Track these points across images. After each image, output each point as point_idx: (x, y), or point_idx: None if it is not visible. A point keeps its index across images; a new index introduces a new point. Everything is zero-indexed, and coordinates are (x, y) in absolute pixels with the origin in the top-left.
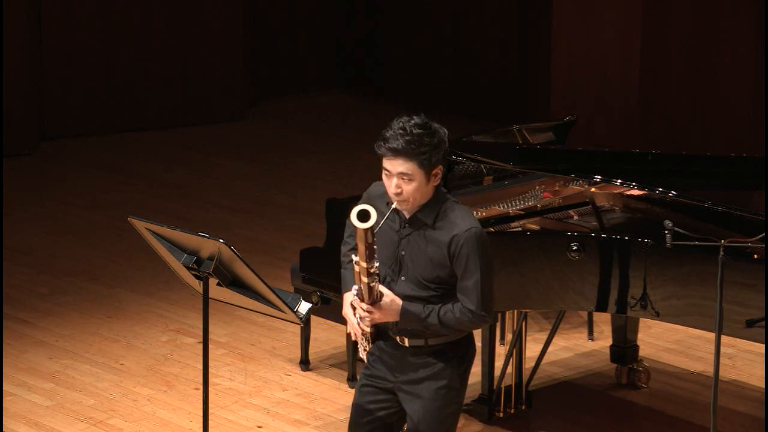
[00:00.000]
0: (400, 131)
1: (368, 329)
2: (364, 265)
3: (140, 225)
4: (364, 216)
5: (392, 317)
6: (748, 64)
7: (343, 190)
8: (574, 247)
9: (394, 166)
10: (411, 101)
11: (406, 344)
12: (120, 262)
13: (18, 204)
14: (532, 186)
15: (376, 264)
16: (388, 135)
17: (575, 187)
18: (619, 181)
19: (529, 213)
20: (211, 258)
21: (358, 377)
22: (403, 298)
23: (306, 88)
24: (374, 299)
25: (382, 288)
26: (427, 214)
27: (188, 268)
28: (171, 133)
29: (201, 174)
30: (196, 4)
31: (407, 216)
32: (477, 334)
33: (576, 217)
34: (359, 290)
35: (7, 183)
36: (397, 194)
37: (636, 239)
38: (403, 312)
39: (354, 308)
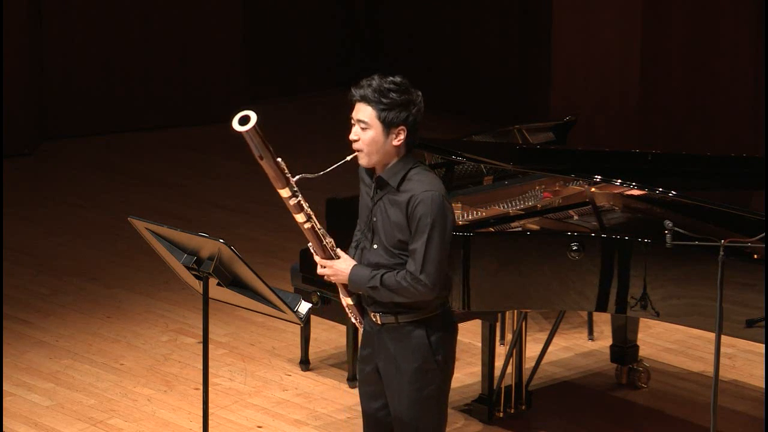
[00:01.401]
0: (372, 81)
1: (348, 301)
2: (283, 194)
3: (140, 225)
4: (244, 120)
5: (342, 277)
6: (748, 64)
7: (343, 190)
8: (574, 247)
9: (356, 112)
10: None
11: (378, 321)
12: (120, 262)
13: (18, 204)
14: (532, 186)
15: (300, 196)
16: (360, 82)
17: (575, 187)
18: (619, 181)
19: (529, 213)
20: (211, 258)
21: (358, 377)
22: (374, 265)
23: (306, 88)
24: (329, 255)
25: (338, 250)
26: (391, 176)
27: (188, 268)
28: (171, 133)
29: (201, 174)
30: (196, 5)
31: (376, 177)
32: (477, 334)
33: (576, 217)
34: (310, 245)
35: (7, 183)
36: (354, 141)
37: (636, 239)
38: (352, 273)
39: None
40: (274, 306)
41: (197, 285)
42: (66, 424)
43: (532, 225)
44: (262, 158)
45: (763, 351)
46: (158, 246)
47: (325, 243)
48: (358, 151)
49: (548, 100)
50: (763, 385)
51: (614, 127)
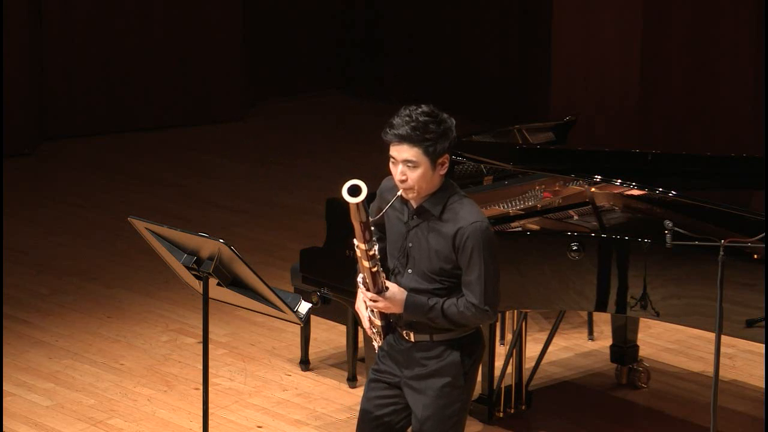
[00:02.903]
0: (406, 118)
1: (378, 322)
2: (362, 246)
3: (140, 225)
4: (354, 191)
5: (397, 308)
6: (748, 64)
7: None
8: (574, 247)
9: (399, 152)
10: (411, 101)
11: (412, 339)
12: (120, 262)
13: (18, 204)
14: (532, 186)
15: (376, 247)
16: (394, 122)
17: (575, 187)
18: (619, 181)
19: (529, 213)
20: (211, 258)
21: (358, 377)
22: (410, 290)
23: (305, 88)
24: (379, 288)
25: (387, 281)
26: (434, 205)
27: (188, 268)
28: (171, 133)
29: (201, 174)
30: (196, 5)
31: (414, 206)
32: None
33: (576, 217)
34: (363, 278)
35: (7, 183)
36: (402, 181)
37: (636, 239)
38: (408, 303)
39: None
40: (274, 306)
41: (197, 285)
42: (66, 424)
43: (532, 225)
44: (362, 227)
45: (763, 351)
46: (158, 246)
47: (381, 280)
48: (407, 189)
49: (548, 100)
50: (763, 385)
51: (614, 127)
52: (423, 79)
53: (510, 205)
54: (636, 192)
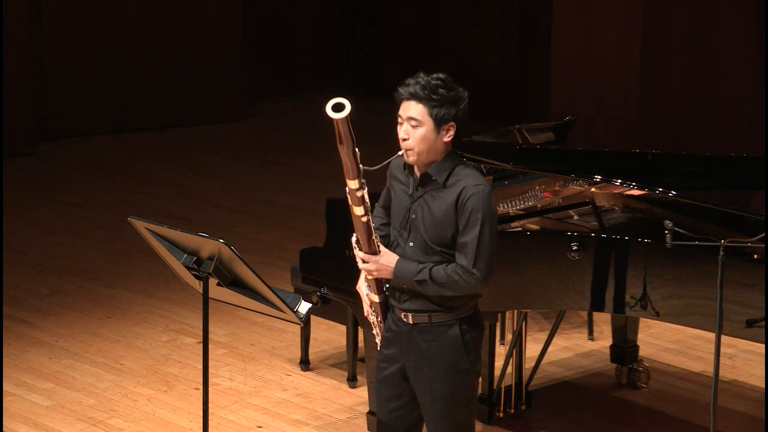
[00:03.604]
0: (419, 78)
1: (376, 299)
2: (352, 185)
3: (140, 225)
4: (338, 107)
5: (387, 272)
6: (748, 64)
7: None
8: (574, 247)
9: (405, 110)
10: None
11: (410, 321)
12: (120, 262)
13: (18, 204)
14: (532, 186)
15: (365, 191)
16: (407, 80)
17: (575, 187)
18: (619, 181)
19: (529, 213)
20: (211, 258)
21: (358, 377)
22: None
23: (306, 89)
24: (373, 249)
25: (381, 245)
26: (439, 173)
27: (188, 268)
28: (171, 133)
29: (201, 174)
30: (196, 5)
31: (419, 174)
32: None
33: (576, 217)
34: (357, 236)
35: (7, 183)
36: (404, 140)
37: (636, 239)
38: (397, 267)
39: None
40: (274, 306)
41: (197, 285)
42: (66, 424)
43: (532, 225)
44: (342, 143)
45: (763, 351)
46: (158, 246)
47: (373, 238)
48: (407, 149)
49: (548, 100)
50: (763, 385)
51: (614, 127)
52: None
53: (510, 205)
54: (636, 192)
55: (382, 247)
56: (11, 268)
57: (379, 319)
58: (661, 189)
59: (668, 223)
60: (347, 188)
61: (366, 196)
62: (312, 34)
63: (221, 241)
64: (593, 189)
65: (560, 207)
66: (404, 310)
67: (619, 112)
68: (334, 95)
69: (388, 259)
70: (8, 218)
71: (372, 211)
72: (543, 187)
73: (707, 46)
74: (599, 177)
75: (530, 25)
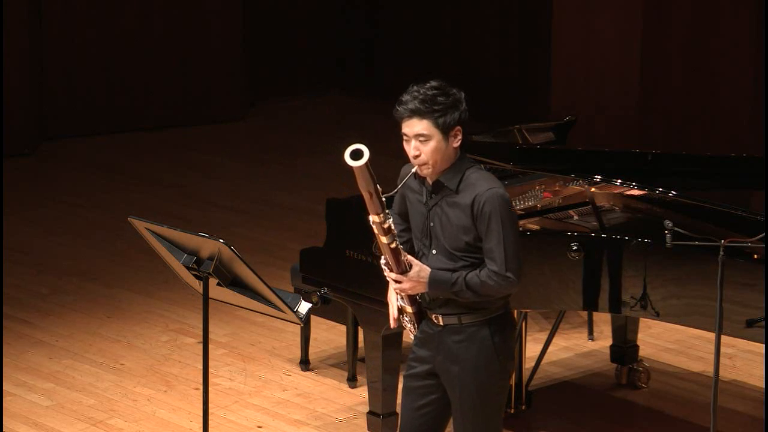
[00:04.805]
0: (415, 93)
1: (410, 309)
2: (376, 219)
3: (140, 225)
4: (357, 155)
5: (421, 287)
6: (748, 64)
7: (343, 190)
8: (574, 247)
9: (410, 127)
10: None
11: (441, 323)
12: (120, 262)
13: (18, 204)
14: (532, 186)
15: (390, 219)
16: (404, 98)
17: (575, 187)
18: (619, 181)
19: (529, 213)
20: (211, 258)
21: (358, 377)
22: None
23: (306, 88)
24: (403, 269)
25: (410, 258)
26: (450, 179)
27: (188, 268)
28: (171, 133)
29: (201, 174)
30: (196, 5)
31: (431, 182)
32: None
33: (576, 217)
34: (386, 259)
35: (7, 183)
36: (416, 157)
37: (636, 239)
38: (431, 280)
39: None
40: (274, 306)
41: (197, 285)
42: (66, 424)
43: (532, 225)
44: (371, 195)
45: (763, 351)
46: (158, 246)
47: (402, 258)
48: (422, 164)
49: (548, 100)
50: (763, 385)
51: (614, 127)
52: (423, 79)
53: None
54: (636, 192)
55: (412, 261)
56: (11, 268)
57: (414, 327)
58: (661, 189)
59: (668, 223)
60: (371, 220)
61: (392, 225)
62: (312, 34)
63: (221, 241)
64: (593, 189)
65: (560, 207)
66: (435, 313)
67: (619, 112)
68: (334, 95)
69: (420, 274)
70: (8, 218)
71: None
72: (543, 187)
73: (707, 46)
74: (599, 177)
75: (530, 25)
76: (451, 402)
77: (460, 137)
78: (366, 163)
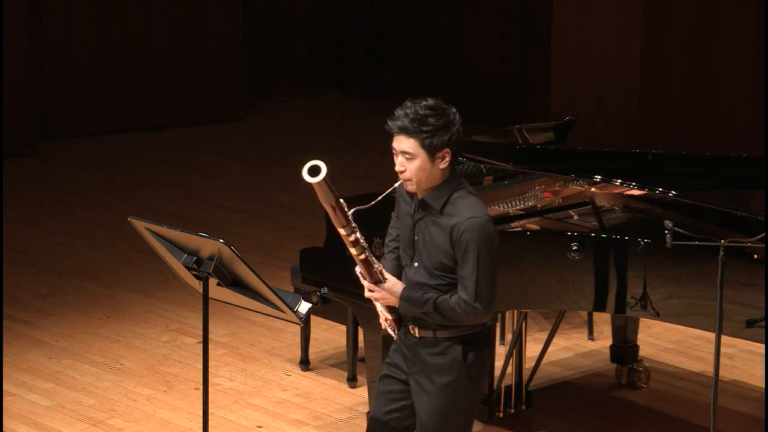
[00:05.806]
0: (407, 110)
1: (389, 315)
2: (342, 232)
3: (140, 225)
4: (314, 171)
5: (393, 300)
6: (748, 64)
7: (342, 190)
8: (574, 247)
9: (398, 143)
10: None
11: (417, 335)
12: (120, 262)
13: (18, 204)
14: (532, 186)
15: (358, 232)
16: (396, 113)
17: (575, 187)
18: (619, 181)
19: (529, 213)
20: (211, 258)
21: (358, 377)
22: (414, 284)
23: (305, 89)
24: (376, 279)
25: (385, 273)
26: (435, 199)
27: (188, 268)
28: (171, 133)
29: (201, 174)
30: (196, 5)
31: (419, 199)
32: None
33: (576, 217)
34: (360, 270)
35: (7, 183)
36: (400, 172)
37: (636, 239)
38: (403, 296)
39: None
40: (274, 306)
41: (197, 285)
42: (66, 424)
43: (532, 225)
44: (334, 209)
45: (763, 351)
46: (158, 246)
47: (375, 269)
48: (406, 180)
49: (548, 100)
50: (763, 385)
51: (614, 127)
52: (423, 79)
53: (510, 205)
54: (636, 192)
55: (386, 275)
56: (11, 268)
57: (396, 333)
58: (661, 189)
59: (668, 223)
60: (340, 233)
61: (359, 237)
62: (312, 34)
63: (221, 241)
64: (593, 189)
65: (560, 207)
66: (412, 325)
67: (619, 112)
68: (334, 95)
69: (392, 289)
70: (8, 218)
71: (384, 224)
72: (543, 187)
73: (707, 46)
74: (599, 177)
75: (530, 25)
76: (417, 412)
77: (448, 159)
78: (324, 179)
